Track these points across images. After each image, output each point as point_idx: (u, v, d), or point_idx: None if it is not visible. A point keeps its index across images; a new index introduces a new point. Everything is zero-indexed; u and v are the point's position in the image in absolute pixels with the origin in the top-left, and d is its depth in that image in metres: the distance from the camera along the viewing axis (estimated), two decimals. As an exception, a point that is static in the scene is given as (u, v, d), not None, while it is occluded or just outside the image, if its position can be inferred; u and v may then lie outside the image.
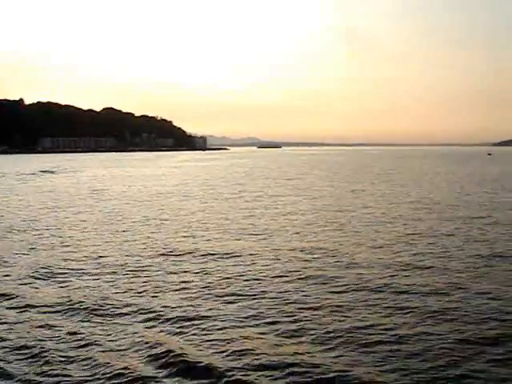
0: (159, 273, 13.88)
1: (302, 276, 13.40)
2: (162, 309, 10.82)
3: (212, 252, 16.08)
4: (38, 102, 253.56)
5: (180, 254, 15.96)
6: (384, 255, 15.70)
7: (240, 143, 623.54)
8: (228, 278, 13.19)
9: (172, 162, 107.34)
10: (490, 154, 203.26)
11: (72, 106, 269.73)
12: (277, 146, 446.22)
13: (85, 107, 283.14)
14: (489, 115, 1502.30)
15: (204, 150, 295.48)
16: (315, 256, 15.70)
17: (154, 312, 10.63)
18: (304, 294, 11.89)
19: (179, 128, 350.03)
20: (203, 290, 12.17)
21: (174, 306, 11.03)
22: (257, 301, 11.32)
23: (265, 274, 13.54)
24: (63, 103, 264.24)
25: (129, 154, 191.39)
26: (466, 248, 16.74)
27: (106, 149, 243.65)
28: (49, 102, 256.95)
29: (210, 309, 10.77)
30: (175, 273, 13.87)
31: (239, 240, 18.30)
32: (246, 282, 12.78)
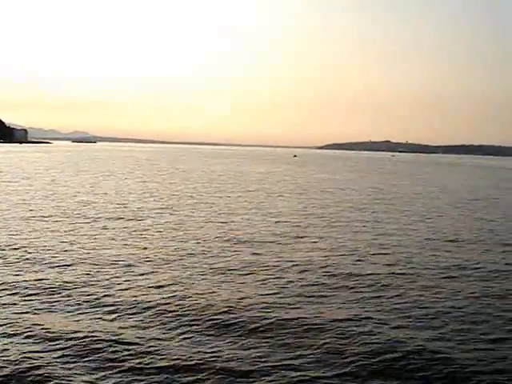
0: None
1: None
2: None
3: None
4: None
5: None
6: None
7: (69, 137, 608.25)
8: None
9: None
10: (295, 156, 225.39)
11: None
12: (91, 141, 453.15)
13: None
14: (316, 121, 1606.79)
15: (22, 142, 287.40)
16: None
17: None
18: None
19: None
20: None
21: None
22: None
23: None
24: None
25: None
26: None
27: None
28: None
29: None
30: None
31: None
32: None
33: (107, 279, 15.19)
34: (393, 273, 16.62)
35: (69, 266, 16.59)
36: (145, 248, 19.52)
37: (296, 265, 17.38)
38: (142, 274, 15.71)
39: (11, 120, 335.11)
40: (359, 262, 18.06)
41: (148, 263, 17.19)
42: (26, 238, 20.53)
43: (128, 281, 15.01)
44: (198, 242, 20.82)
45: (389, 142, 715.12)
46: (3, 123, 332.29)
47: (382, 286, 15.17)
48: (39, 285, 14.40)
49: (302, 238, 22.63)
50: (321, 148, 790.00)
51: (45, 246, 19.23)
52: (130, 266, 16.73)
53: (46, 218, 25.86)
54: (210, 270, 16.47)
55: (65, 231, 22.51)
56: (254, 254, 19.07)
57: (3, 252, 18.14)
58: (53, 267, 16.37)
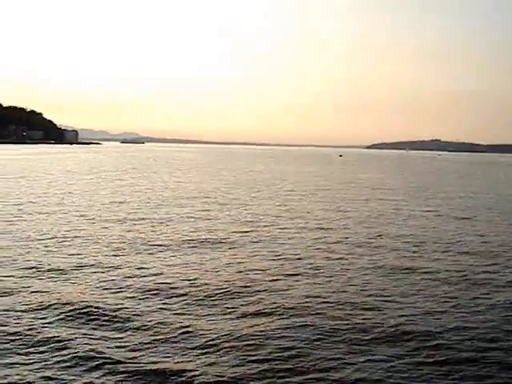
0: None
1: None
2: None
3: None
4: None
5: None
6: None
7: (119, 138, 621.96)
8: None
9: None
10: (340, 156, 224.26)
11: None
12: (139, 141, 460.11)
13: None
14: (365, 122, 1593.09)
15: (73, 143, 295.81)
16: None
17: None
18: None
19: (50, 121, 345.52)
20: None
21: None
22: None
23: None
24: None
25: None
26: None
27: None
28: None
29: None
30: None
31: None
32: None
33: (141, 266, 15.96)
34: (412, 280, 16.26)
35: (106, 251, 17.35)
36: (167, 244, 19.75)
37: (324, 257, 17.35)
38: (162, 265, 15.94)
39: (62, 121, 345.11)
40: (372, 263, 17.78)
41: (168, 253, 17.50)
42: (58, 230, 21.17)
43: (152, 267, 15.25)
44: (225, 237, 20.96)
45: (438, 140, 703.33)
46: (55, 125, 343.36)
47: (407, 293, 14.90)
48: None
49: (323, 238, 22.45)
50: (369, 147, 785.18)
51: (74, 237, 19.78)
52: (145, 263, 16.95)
53: (81, 216, 26.50)
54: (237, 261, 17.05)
55: (100, 228, 23.04)
56: (263, 247, 19.36)
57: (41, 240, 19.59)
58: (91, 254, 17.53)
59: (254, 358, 10.07)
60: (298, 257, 18.45)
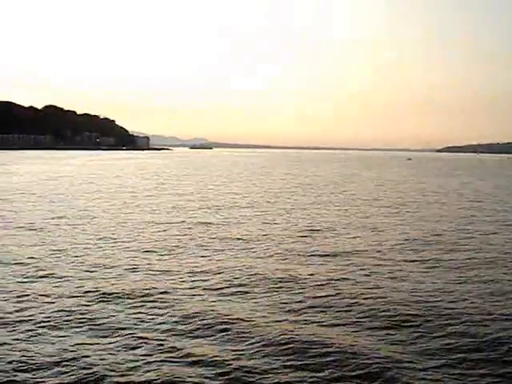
0: None
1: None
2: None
3: None
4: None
5: None
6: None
7: (188, 144, 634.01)
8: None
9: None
10: (409, 159, 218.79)
11: (12, 103, 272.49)
12: (208, 147, 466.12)
13: (26, 104, 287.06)
14: (437, 124, 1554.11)
15: (144, 149, 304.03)
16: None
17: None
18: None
19: (121, 127, 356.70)
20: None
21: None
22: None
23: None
24: (2, 100, 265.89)
25: (61, 151, 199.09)
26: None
27: (45, 146, 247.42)
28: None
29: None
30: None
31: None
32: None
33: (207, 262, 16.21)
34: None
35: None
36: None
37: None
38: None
39: (134, 128, 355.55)
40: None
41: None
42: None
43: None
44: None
45: (510, 143, 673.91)
46: (126, 131, 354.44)
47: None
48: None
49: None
50: (439, 151, 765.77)
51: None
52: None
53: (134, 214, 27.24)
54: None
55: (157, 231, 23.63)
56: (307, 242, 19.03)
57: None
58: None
59: (294, 362, 10.04)
60: (350, 262, 18.25)
